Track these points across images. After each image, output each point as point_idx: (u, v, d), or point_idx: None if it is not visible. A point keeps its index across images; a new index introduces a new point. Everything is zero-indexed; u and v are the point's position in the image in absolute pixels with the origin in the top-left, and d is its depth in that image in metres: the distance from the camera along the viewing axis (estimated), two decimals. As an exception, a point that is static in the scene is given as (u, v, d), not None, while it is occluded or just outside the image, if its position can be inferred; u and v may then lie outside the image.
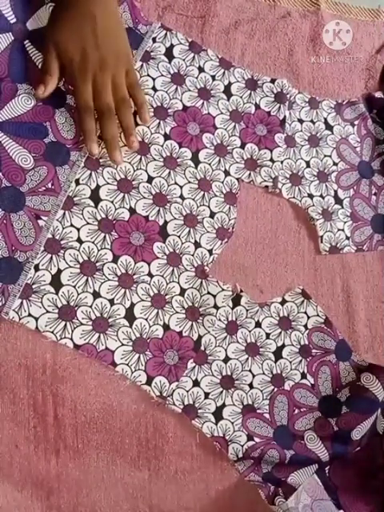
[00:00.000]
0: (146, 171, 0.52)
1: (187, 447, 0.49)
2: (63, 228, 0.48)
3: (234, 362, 0.52)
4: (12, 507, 0.45)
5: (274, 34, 0.61)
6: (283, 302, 0.55)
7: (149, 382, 0.48)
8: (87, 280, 0.48)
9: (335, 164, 0.60)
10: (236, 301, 0.53)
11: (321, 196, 0.59)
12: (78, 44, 0.46)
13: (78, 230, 0.48)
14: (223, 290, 0.52)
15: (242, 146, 0.57)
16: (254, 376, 0.52)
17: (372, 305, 0.59)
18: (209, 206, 0.54)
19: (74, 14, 0.46)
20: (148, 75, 0.53)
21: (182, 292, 0.51)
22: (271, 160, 0.57)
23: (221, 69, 0.57)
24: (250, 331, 0.53)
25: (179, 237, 0.52)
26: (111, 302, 0.48)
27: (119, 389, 0.48)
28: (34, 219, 0.47)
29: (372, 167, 0.62)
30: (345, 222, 0.59)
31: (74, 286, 0.47)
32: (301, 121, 0.60)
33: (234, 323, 0.52)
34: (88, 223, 0.49)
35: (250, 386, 0.52)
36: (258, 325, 0.53)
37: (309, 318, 0.55)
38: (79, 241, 0.48)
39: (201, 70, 0.56)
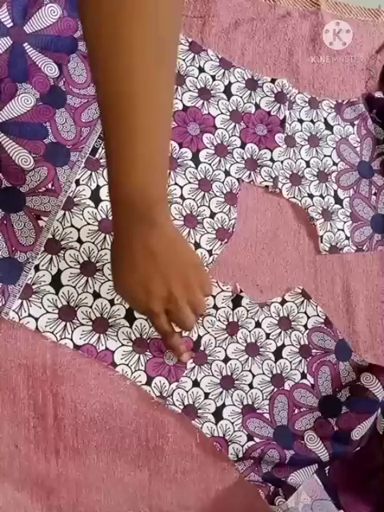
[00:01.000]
0: (146, 171, 0.52)
1: (187, 447, 0.49)
2: (63, 228, 0.48)
3: (234, 362, 0.52)
4: (12, 507, 0.45)
5: (274, 34, 0.61)
6: (283, 302, 0.55)
7: (149, 382, 0.48)
8: (87, 280, 0.48)
9: (335, 164, 0.60)
10: (236, 301, 0.53)
11: (321, 196, 0.59)
12: (156, 282, 0.39)
13: (79, 230, 0.48)
14: (223, 290, 0.52)
15: (242, 146, 0.57)
16: (253, 376, 0.52)
17: (372, 305, 0.59)
18: (209, 207, 0.54)
19: (128, 255, 0.38)
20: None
21: (182, 292, 0.51)
22: (271, 160, 0.57)
23: (221, 69, 0.57)
24: (249, 331, 0.53)
25: (179, 237, 0.52)
26: (111, 302, 0.48)
27: (119, 389, 0.48)
28: (34, 219, 0.47)
29: (372, 167, 0.62)
30: (345, 222, 0.59)
31: (74, 287, 0.47)
32: (301, 121, 0.60)
33: (235, 324, 0.52)
34: (88, 223, 0.49)
35: (250, 386, 0.52)
36: (258, 325, 0.53)
37: (309, 317, 0.55)
38: (79, 241, 0.48)
39: (201, 70, 0.56)
